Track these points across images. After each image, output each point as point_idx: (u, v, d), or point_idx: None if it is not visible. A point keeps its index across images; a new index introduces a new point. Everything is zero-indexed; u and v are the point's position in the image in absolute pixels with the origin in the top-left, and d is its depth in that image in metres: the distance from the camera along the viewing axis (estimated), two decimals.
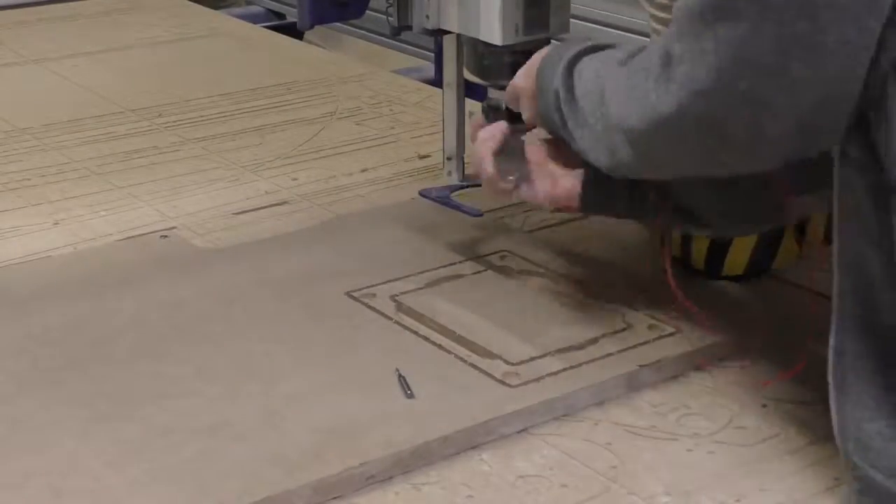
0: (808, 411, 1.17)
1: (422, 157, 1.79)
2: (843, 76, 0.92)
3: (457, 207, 1.55)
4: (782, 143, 0.98)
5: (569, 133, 1.16)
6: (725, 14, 0.94)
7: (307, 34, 2.59)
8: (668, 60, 0.99)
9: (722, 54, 0.94)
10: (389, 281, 1.38)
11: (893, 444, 0.98)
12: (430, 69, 2.43)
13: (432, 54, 2.39)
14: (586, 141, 1.14)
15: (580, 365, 1.22)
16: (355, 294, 1.36)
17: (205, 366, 1.23)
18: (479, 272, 1.41)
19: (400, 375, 1.19)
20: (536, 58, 1.22)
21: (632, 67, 1.06)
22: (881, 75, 0.91)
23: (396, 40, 2.23)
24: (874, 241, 0.96)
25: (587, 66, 1.15)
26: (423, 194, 1.62)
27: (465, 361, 1.23)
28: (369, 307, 1.34)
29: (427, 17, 1.44)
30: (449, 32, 1.45)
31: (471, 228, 1.51)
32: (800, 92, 0.93)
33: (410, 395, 1.17)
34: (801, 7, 0.90)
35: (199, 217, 1.61)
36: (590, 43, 1.19)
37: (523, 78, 1.25)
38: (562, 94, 1.16)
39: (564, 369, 1.22)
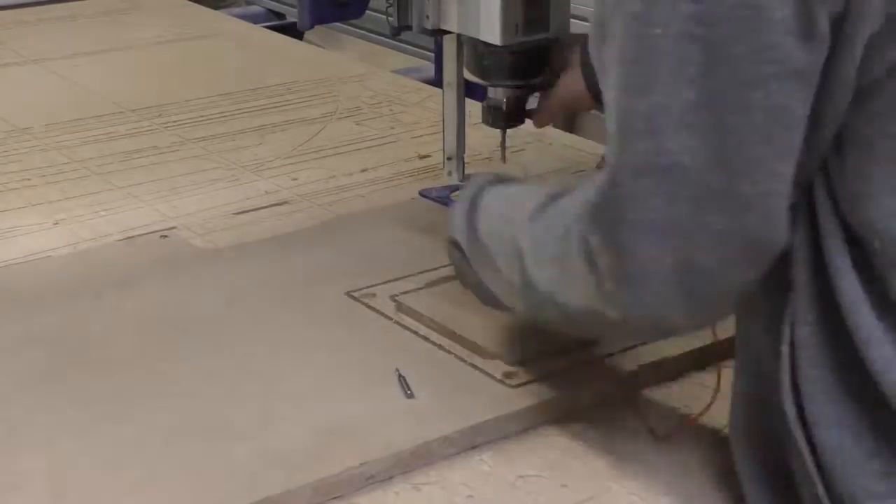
0: None
1: (422, 157, 1.79)
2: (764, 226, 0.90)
3: None
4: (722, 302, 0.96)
5: (475, 272, 1.15)
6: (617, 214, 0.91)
7: (307, 34, 2.59)
8: (588, 251, 0.94)
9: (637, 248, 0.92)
10: (389, 281, 1.38)
11: None
12: (430, 69, 2.43)
13: (432, 54, 2.39)
14: (497, 286, 1.12)
15: (580, 365, 1.22)
16: (355, 294, 1.36)
17: (205, 366, 1.23)
18: None
19: (400, 375, 1.19)
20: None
21: (548, 231, 1.01)
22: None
23: (396, 40, 2.23)
24: (764, 327, 0.97)
25: (490, 205, 1.12)
26: (423, 194, 1.62)
27: (465, 361, 1.23)
28: (369, 307, 1.34)
29: (427, 17, 1.44)
30: (449, 32, 1.45)
31: None
32: (726, 247, 0.90)
33: (410, 395, 1.17)
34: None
35: (199, 217, 1.61)
36: (491, 176, 1.18)
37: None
38: (466, 236, 1.14)
39: (564, 369, 1.22)
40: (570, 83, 1.35)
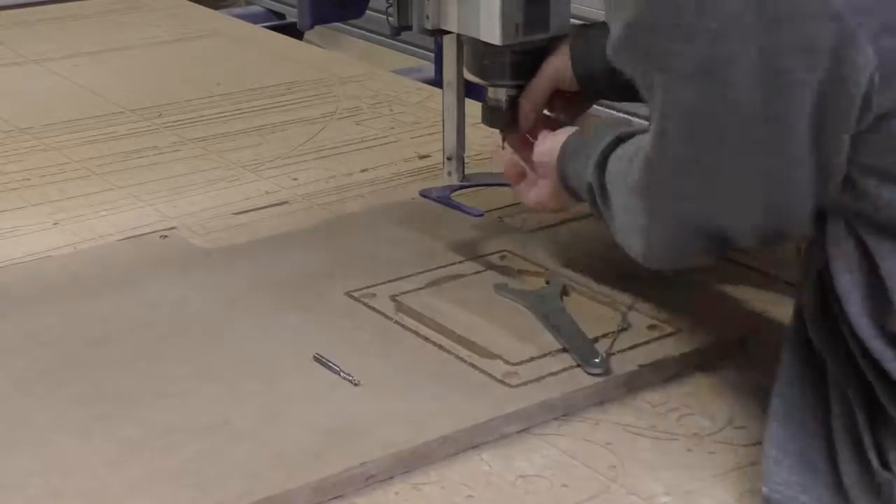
0: None
1: (422, 157, 1.79)
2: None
3: (457, 207, 1.55)
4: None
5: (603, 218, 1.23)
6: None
7: (307, 34, 2.59)
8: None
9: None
10: (389, 281, 1.38)
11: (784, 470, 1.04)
12: (430, 69, 2.44)
13: (432, 54, 2.39)
14: (620, 235, 1.19)
15: (580, 365, 1.22)
16: (355, 294, 1.36)
17: (205, 366, 1.23)
18: (479, 272, 1.41)
19: (324, 359, 1.21)
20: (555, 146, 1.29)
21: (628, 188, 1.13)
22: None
23: (396, 40, 2.23)
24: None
25: (613, 165, 1.20)
26: (423, 194, 1.62)
27: (465, 361, 1.23)
28: (369, 307, 1.34)
29: (427, 17, 1.44)
30: (449, 32, 1.45)
31: (471, 228, 1.51)
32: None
33: (348, 377, 1.18)
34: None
35: (199, 217, 1.61)
36: (611, 136, 1.22)
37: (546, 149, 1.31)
38: (596, 191, 1.21)
39: (564, 369, 1.22)
40: (555, 60, 1.35)
